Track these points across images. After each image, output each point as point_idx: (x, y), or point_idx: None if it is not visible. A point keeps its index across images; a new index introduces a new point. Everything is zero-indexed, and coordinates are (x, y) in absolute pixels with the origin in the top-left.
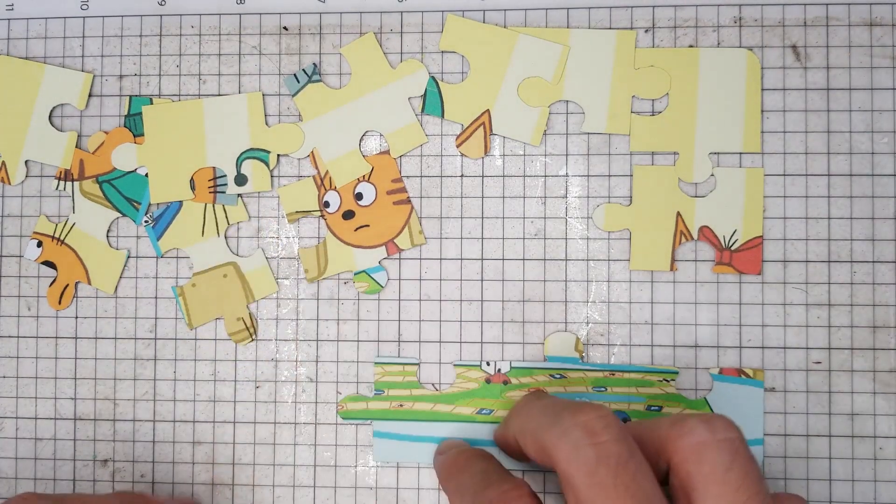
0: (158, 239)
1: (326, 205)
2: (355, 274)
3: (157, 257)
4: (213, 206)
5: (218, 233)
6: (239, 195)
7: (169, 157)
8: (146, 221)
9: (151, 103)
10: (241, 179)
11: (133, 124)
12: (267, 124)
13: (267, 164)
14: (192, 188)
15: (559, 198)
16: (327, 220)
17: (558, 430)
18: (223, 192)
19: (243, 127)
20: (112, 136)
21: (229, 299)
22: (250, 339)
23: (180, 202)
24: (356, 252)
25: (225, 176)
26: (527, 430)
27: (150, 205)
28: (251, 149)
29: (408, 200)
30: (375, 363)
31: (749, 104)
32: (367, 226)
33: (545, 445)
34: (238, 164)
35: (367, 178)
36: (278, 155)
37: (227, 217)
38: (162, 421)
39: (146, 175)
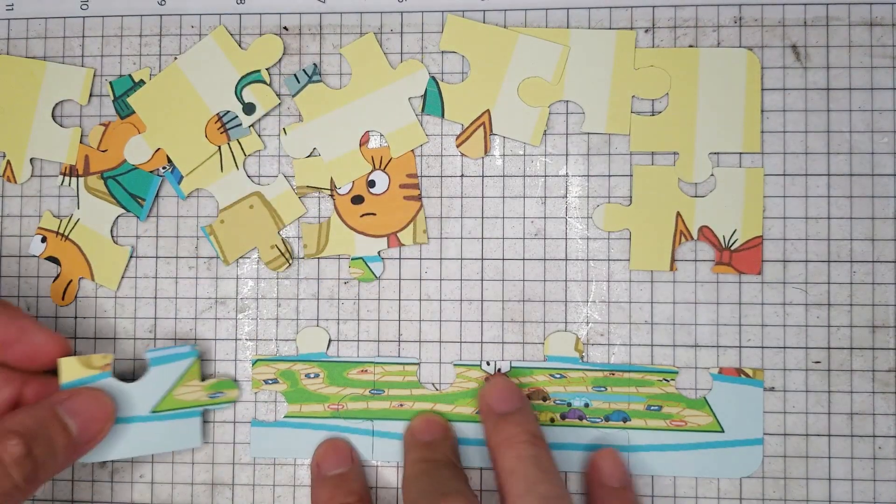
0: (179, 183)
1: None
2: (352, 259)
3: (156, 257)
4: (229, 144)
5: (237, 166)
6: (251, 126)
7: (176, 129)
8: (164, 168)
9: (132, 81)
10: (249, 108)
11: (120, 107)
12: (242, 47)
13: (264, 82)
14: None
15: (559, 198)
16: (336, 200)
17: None
18: (236, 127)
19: (223, 62)
20: (113, 127)
21: (259, 229)
22: (287, 265)
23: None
24: (357, 238)
25: (229, 112)
26: None
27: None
28: (242, 77)
29: (418, 198)
30: (367, 363)
31: (749, 104)
32: (374, 214)
33: None
34: (239, 96)
35: (383, 167)
36: (268, 69)
37: (242, 149)
38: None
39: (151, 171)
